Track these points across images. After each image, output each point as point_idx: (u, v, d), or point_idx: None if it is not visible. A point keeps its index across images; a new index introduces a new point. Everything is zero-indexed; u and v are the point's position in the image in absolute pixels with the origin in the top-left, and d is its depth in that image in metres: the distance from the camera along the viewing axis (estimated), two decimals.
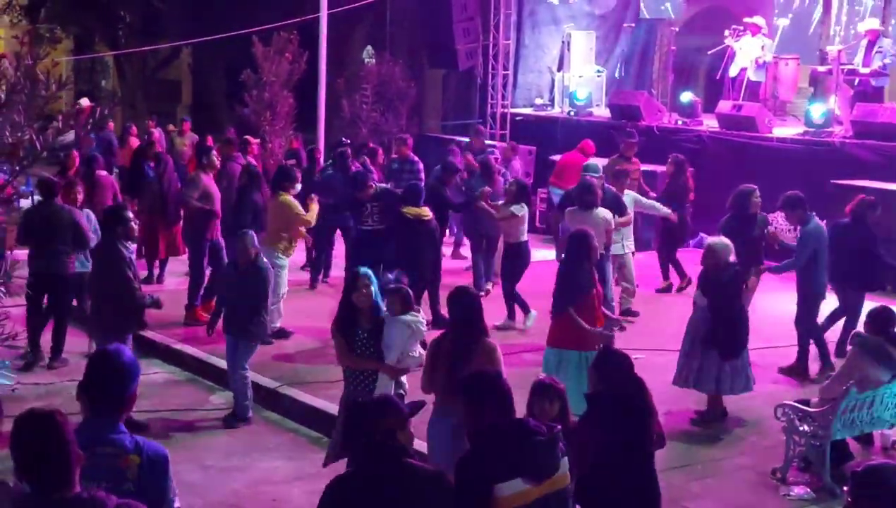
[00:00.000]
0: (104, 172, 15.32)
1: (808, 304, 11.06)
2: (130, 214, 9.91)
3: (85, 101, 23.07)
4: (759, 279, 11.66)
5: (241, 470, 8.71)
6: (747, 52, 18.99)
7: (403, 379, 7.95)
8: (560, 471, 5.09)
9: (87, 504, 3.83)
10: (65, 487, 3.86)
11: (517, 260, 12.71)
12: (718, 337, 9.51)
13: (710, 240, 10.13)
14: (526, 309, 12.52)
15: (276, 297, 11.69)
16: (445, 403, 6.86)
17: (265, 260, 10.09)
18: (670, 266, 14.58)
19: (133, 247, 11.00)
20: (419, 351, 7.72)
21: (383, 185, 13.96)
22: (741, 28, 19.10)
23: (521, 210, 12.62)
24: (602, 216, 11.73)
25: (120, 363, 4.53)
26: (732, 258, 9.76)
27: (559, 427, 5.23)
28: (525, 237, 12.75)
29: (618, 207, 12.45)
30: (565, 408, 6.28)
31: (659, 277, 14.66)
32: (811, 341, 11.09)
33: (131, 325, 9.58)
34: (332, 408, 9.84)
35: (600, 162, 14.81)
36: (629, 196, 13.32)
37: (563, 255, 10.18)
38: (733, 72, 19.09)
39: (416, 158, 16.41)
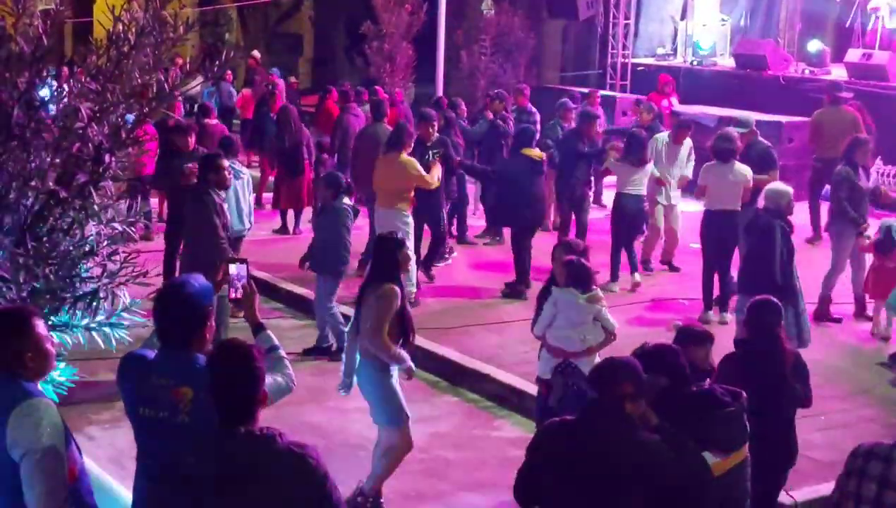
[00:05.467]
0: (215, 121, 15.56)
1: None
2: (226, 163, 9.94)
3: (256, 53, 23.69)
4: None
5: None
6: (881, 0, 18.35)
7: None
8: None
9: (259, 440, 3.91)
10: (249, 421, 3.95)
11: (616, 213, 12.39)
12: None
13: (773, 184, 9.87)
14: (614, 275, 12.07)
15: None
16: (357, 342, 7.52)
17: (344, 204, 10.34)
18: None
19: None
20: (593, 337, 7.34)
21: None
22: None
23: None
24: (740, 171, 10.94)
25: (183, 295, 4.51)
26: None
27: (745, 395, 5.24)
28: (628, 189, 12.16)
29: (766, 163, 11.63)
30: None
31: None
32: None
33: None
34: (452, 354, 10.02)
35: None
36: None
37: None
38: (870, 22, 18.46)
39: (534, 109, 16.33)
